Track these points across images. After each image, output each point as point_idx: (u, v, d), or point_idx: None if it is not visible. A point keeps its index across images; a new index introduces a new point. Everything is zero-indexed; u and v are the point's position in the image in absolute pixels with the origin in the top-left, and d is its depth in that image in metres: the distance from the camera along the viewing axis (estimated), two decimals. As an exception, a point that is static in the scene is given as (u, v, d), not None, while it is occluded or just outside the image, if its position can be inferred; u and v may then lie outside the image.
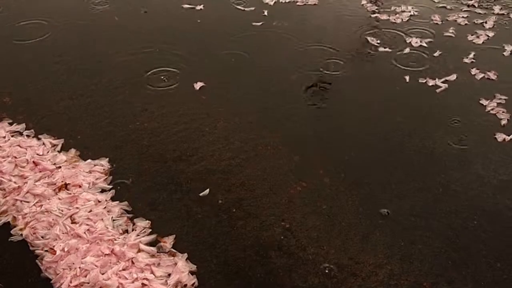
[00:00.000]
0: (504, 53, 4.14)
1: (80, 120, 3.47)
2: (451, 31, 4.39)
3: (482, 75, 3.89)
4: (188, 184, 3.03)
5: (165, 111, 3.54)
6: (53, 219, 2.76)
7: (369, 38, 4.30)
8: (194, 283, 2.52)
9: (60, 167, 3.07)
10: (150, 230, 2.75)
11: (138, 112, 3.53)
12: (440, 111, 3.57)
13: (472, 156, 3.23)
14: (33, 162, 3.08)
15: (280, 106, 3.60)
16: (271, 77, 3.87)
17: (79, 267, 2.53)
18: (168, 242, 2.69)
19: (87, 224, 2.74)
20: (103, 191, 2.96)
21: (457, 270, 2.59)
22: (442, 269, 2.59)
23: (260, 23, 4.49)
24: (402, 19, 4.56)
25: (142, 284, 2.48)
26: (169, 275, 2.53)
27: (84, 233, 2.69)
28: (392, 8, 4.71)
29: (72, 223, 2.75)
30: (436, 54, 4.11)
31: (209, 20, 4.55)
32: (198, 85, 3.76)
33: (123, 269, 2.53)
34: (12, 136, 3.29)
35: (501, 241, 2.73)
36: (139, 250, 2.64)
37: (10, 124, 3.39)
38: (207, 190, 2.99)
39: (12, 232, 2.75)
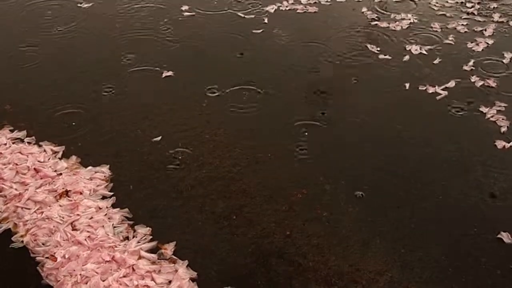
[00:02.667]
0: (504, 61, 4.15)
1: (81, 127, 3.47)
2: (450, 38, 4.41)
3: (482, 82, 3.90)
4: (189, 191, 3.04)
5: (166, 118, 3.55)
6: (54, 226, 2.77)
7: (369, 46, 4.32)
8: (194, 290, 2.53)
9: (61, 174, 3.08)
10: (151, 237, 2.76)
11: (139, 120, 3.54)
12: (440, 118, 3.58)
13: (472, 163, 3.23)
14: (34, 169, 3.09)
15: (280, 113, 3.60)
16: (272, 84, 3.88)
17: (80, 274, 2.53)
18: (168, 249, 2.69)
19: (88, 231, 2.75)
20: (104, 198, 2.97)
21: (457, 277, 2.59)
22: (443, 276, 2.60)
23: (261, 31, 4.51)
24: (402, 27, 4.57)
25: (143, 291, 2.49)
26: (170, 282, 2.54)
27: (85, 240, 2.69)
28: (392, 15, 4.73)
29: (73, 230, 2.76)
30: (436, 62, 4.12)
31: (208, 27, 4.56)
32: (165, 74, 3.92)
33: (124, 276, 2.54)
34: (13, 143, 3.30)
35: (501, 248, 2.74)
36: (140, 257, 2.64)
37: (11, 131, 3.40)
38: (160, 137, 3.16)
39: (13, 239, 2.75)
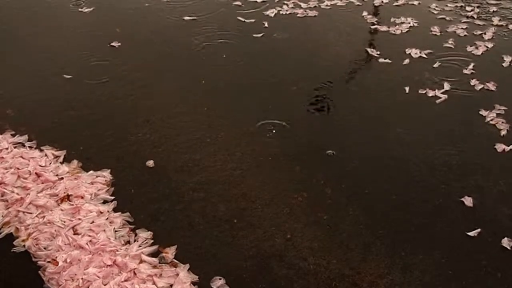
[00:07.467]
0: (503, 64, 4.16)
1: (82, 131, 3.49)
2: (450, 42, 4.42)
3: (482, 86, 3.91)
4: (190, 194, 3.05)
5: (167, 122, 3.56)
6: (55, 230, 2.77)
7: (369, 50, 4.33)
8: (195, 293, 2.53)
9: (62, 178, 3.09)
10: (152, 241, 2.76)
11: (140, 123, 3.55)
12: (440, 122, 3.59)
13: (472, 166, 3.24)
14: (36, 173, 3.10)
15: (281, 117, 3.61)
16: (272, 88, 3.89)
17: (82, 278, 2.53)
18: (170, 252, 2.70)
19: (89, 235, 2.75)
20: (105, 202, 2.98)
21: (458, 280, 2.60)
22: (443, 279, 2.60)
23: (261, 35, 4.53)
24: (401, 31, 4.59)
25: (144, 294, 2.50)
26: (171, 286, 2.54)
27: (87, 244, 2.70)
28: (392, 19, 4.75)
29: (74, 234, 2.76)
30: (435, 65, 4.13)
31: (209, 32, 4.58)
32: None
33: (125, 280, 2.54)
34: (14, 147, 3.31)
35: (502, 251, 2.74)
36: (141, 261, 2.65)
37: (13, 135, 3.41)
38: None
39: (14, 243, 2.76)
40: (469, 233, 2.80)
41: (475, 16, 4.81)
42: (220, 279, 2.59)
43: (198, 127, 3.52)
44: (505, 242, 2.78)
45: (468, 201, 2.98)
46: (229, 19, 4.76)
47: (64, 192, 2.98)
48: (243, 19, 4.74)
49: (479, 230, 2.82)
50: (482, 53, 4.29)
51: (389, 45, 4.41)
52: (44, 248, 2.71)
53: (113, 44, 4.39)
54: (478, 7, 4.96)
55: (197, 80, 3.97)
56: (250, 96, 3.83)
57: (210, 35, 4.53)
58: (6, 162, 3.18)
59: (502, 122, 3.56)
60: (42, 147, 3.32)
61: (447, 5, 4.97)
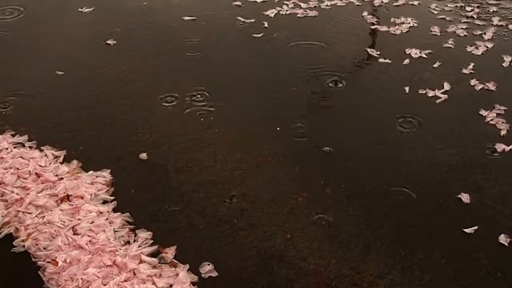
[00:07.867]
0: (503, 64, 4.16)
1: (82, 131, 3.48)
2: (450, 42, 4.42)
3: (482, 86, 3.91)
4: (190, 194, 3.05)
5: (167, 122, 3.56)
6: (55, 230, 2.77)
7: (369, 50, 4.33)
8: (195, 293, 2.53)
9: (62, 178, 3.08)
10: (152, 241, 2.76)
11: (140, 124, 3.55)
12: (440, 122, 3.59)
13: (472, 166, 3.24)
14: (36, 173, 3.10)
15: (281, 117, 3.61)
16: (272, 88, 3.89)
17: (81, 278, 2.53)
18: (169, 253, 2.70)
19: (89, 235, 2.75)
20: (105, 202, 2.97)
21: (458, 279, 2.60)
22: (443, 279, 2.60)
23: (261, 35, 4.52)
24: (401, 31, 4.59)
25: (144, 295, 2.50)
26: (171, 286, 2.54)
27: (86, 244, 2.70)
28: (392, 19, 4.74)
29: (74, 234, 2.76)
30: (435, 65, 4.13)
31: (209, 32, 4.58)
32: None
33: (125, 280, 2.54)
34: (14, 147, 3.31)
35: (502, 250, 2.74)
36: (141, 261, 2.64)
37: (13, 135, 3.41)
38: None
39: (14, 243, 2.75)
40: (465, 230, 2.81)
41: (475, 16, 4.81)
42: (208, 264, 2.60)
43: (198, 127, 3.52)
44: (502, 238, 2.79)
45: (465, 197, 2.99)
46: (228, 19, 4.76)
47: (64, 192, 2.98)
48: (243, 19, 4.74)
49: (476, 227, 2.82)
50: (482, 53, 4.29)
51: (389, 45, 4.41)
52: (44, 248, 2.71)
53: (109, 42, 4.39)
54: (478, 7, 4.95)
55: (197, 80, 3.97)
56: (250, 96, 3.83)
57: (210, 35, 4.53)
58: (6, 162, 3.18)
59: (502, 122, 3.56)
60: (42, 147, 3.31)
61: (447, 5, 4.96)
